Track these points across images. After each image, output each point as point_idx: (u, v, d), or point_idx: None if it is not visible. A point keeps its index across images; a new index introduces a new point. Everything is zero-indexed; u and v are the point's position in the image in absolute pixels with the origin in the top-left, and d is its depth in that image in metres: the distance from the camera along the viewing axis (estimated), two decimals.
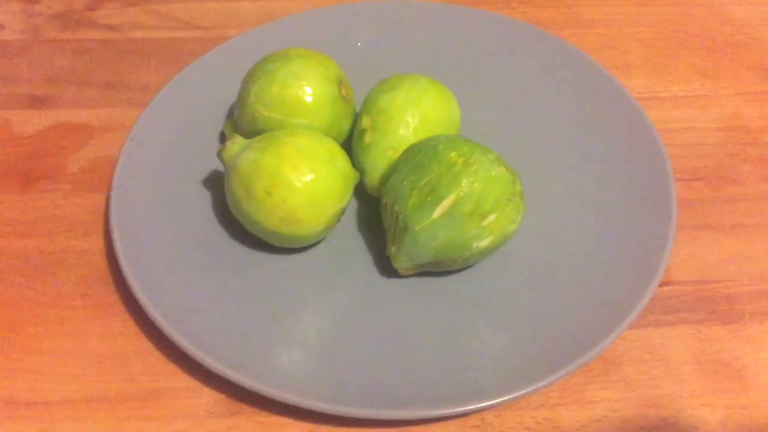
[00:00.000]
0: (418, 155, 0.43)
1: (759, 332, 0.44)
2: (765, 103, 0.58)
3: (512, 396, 0.39)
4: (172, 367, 0.43)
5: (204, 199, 0.49)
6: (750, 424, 0.41)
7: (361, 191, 0.49)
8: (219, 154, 0.45)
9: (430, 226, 0.42)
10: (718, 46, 0.62)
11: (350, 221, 0.49)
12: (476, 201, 0.41)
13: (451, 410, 0.39)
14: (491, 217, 0.42)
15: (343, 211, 0.45)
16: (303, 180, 0.42)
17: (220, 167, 0.50)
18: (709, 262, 0.48)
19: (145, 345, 0.44)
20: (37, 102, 0.58)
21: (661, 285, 0.45)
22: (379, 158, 0.47)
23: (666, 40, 0.63)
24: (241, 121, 0.49)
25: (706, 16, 0.64)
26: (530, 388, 0.40)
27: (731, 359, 0.43)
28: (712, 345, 0.44)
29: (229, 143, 0.45)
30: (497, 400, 0.39)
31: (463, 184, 0.41)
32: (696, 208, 0.51)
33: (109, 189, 0.51)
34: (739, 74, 0.60)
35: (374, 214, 0.49)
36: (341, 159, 0.45)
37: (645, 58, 0.61)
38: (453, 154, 0.42)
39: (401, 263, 0.44)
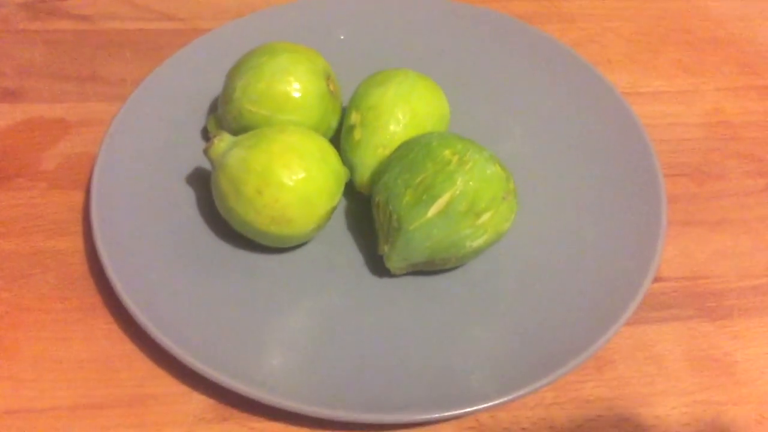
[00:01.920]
0: (411, 153, 0.42)
1: (747, 328, 0.45)
2: (746, 98, 0.58)
3: (508, 398, 0.39)
4: (158, 372, 0.42)
5: (187, 196, 0.48)
6: (741, 420, 0.41)
7: (349, 189, 0.48)
8: (206, 152, 0.44)
9: (425, 224, 0.41)
10: (699, 41, 0.62)
11: (339, 219, 0.48)
12: (471, 199, 0.41)
13: (447, 413, 0.39)
14: (486, 216, 0.41)
15: (334, 210, 0.45)
16: (295, 178, 0.41)
17: (204, 164, 0.49)
18: (696, 258, 0.48)
19: (130, 348, 0.43)
20: (8, 95, 0.55)
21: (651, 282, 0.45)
22: (369, 155, 0.46)
23: (647, 35, 0.63)
24: (227, 117, 0.47)
25: (686, 11, 0.65)
26: (526, 390, 0.39)
27: (721, 355, 0.44)
28: (703, 341, 0.44)
29: (216, 140, 0.43)
30: (493, 403, 0.39)
31: (458, 183, 0.41)
32: (682, 204, 0.51)
33: (87, 186, 0.49)
34: (720, 69, 0.60)
35: (363, 212, 0.48)
36: (332, 156, 0.44)
37: (627, 53, 0.61)
38: (447, 152, 0.41)
39: (394, 263, 0.43)
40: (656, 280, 0.46)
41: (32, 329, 0.43)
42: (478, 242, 0.42)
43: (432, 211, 0.41)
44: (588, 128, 0.52)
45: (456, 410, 0.39)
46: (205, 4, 0.63)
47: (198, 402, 0.41)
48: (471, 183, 0.41)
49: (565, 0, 0.65)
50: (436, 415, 0.39)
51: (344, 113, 0.49)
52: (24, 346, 0.43)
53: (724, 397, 0.42)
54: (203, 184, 0.48)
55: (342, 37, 0.58)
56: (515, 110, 0.54)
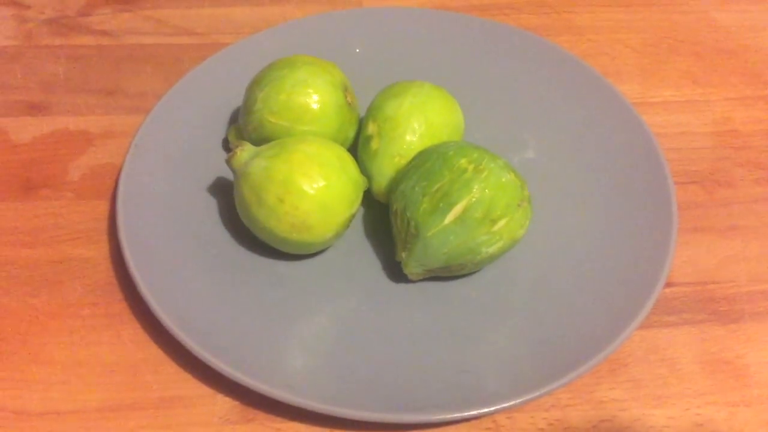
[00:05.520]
0: (428, 162, 0.44)
1: (758, 331, 0.46)
2: (754, 107, 0.59)
3: (525, 399, 0.40)
4: (184, 375, 0.43)
5: (210, 205, 0.49)
6: (754, 421, 0.42)
7: (367, 197, 0.49)
8: (228, 162, 0.45)
9: (442, 231, 0.42)
10: (707, 51, 0.63)
11: (357, 227, 0.49)
12: (487, 207, 0.42)
13: (465, 414, 0.40)
14: (501, 223, 0.42)
15: (352, 218, 0.46)
16: (315, 186, 0.43)
17: (225, 173, 0.50)
18: (707, 264, 0.49)
19: (156, 353, 0.44)
20: (33, 109, 0.57)
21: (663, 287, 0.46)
22: (387, 164, 0.47)
23: (656, 46, 0.64)
24: (247, 128, 0.49)
25: (694, 22, 0.66)
26: (543, 391, 0.40)
27: (733, 358, 0.45)
28: (714, 345, 0.45)
29: (238, 150, 0.45)
30: (510, 403, 0.40)
31: (474, 190, 0.42)
32: (692, 211, 0.52)
33: (112, 196, 0.51)
34: (728, 79, 0.61)
35: (381, 220, 0.49)
36: (351, 165, 0.45)
37: (636, 64, 0.62)
38: (463, 161, 0.43)
39: (412, 268, 0.44)
40: (668, 285, 0.47)
41: (60, 335, 0.45)
42: (493, 248, 0.43)
43: (449, 218, 0.42)
44: (600, 138, 0.53)
45: (473, 411, 0.40)
46: (222, 20, 0.65)
47: (223, 404, 0.42)
48: (487, 190, 0.42)
49: (574, 12, 0.66)
50: (454, 416, 0.40)
51: (361, 124, 0.50)
52: (53, 350, 0.44)
53: (737, 399, 0.43)
54: (225, 193, 0.50)
55: (357, 51, 0.60)
56: (528, 120, 0.55)
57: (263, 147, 0.45)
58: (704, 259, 0.49)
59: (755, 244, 0.50)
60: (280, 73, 0.47)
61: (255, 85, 0.48)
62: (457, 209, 0.42)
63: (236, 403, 0.42)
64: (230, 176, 0.48)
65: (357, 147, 0.50)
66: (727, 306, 0.47)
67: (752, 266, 0.49)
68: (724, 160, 0.55)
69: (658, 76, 0.61)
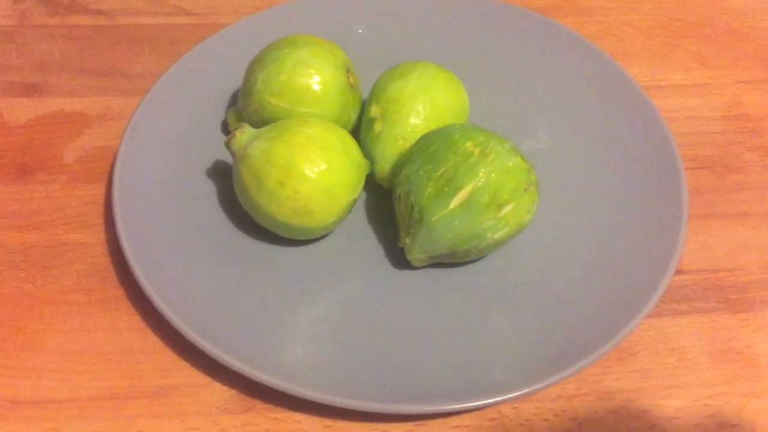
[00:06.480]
0: (433, 145, 0.42)
1: None
2: (765, 91, 0.58)
3: (530, 390, 0.39)
4: (181, 363, 0.42)
5: (208, 189, 0.48)
6: (765, 412, 0.41)
7: (369, 181, 0.48)
8: (227, 144, 0.44)
9: (447, 216, 0.41)
10: (717, 34, 0.62)
11: (359, 212, 0.48)
12: (494, 191, 0.41)
13: (468, 405, 0.39)
14: (508, 208, 0.41)
15: (355, 202, 0.45)
16: (316, 170, 0.41)
17: (224, 157, 0.49)
18: (718, 251, 0.48)
19: (153, 340, 0.43)
20: (28, 90, 0.56)
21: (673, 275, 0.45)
22: (390, 148, 0.46)
23: (665, 28, 0.63)
24: (247, 110, 0.47)
25: (705, 4, 0.64)
26: (548, 381, 0.39)
27: (743, 347, 0.44)
28: (725, 334, 0.44)
29: (237, 133, 0.43)
30: (514, 394, 0.39)
31: (480, 174, 0.41)
32: (703, 197, 0.51)
33: (108, 180, 0.50)
34: (739, 62, 0.60)
35: (384, 205, 0.48)
36: (353, 148, 0.44)
37: (644, 46, 0.61)
38: (469, 144, 0.41)
39: (415, 254, 0.43)
40: (678, 272, 0.46)
41: (54, 321, 0.44)
42: (499, 234, 0.42)
43: (454, 203, 0.41)
44: (609, 121, 0.52)
45: (477, 401, 0.39)
46: (221, 0, 0.63)
47: (221, 393, 0.41)
48: (493, 175, 0.41)
49: None
50: (458, 406, 0.39)
51: (364, 106, 0.49)
52: (46, 337, 0.43)
53: (747, 389, 0.42)
54: (224, 176, 0.48)
55: (360, 32, 0.58)
56: (535, 103, 0.54)
57: (263, 129, 0.44)
58: (715, 246, 0.48)
59: (766, 231, 0.49)
60: (281, 53, 0.46)
61: (255, 65, 0.47)
62: (463, 194, 0.41)
63: (234, 392, 0.41)
64: (229, 160, 0.46)
65: (359, 130, 0.48)
66: (738, 294, 0.46)
67: (763, 254, 0.48)
68: (735, 144, 0.54)
69: (667, 59, 0.60)
